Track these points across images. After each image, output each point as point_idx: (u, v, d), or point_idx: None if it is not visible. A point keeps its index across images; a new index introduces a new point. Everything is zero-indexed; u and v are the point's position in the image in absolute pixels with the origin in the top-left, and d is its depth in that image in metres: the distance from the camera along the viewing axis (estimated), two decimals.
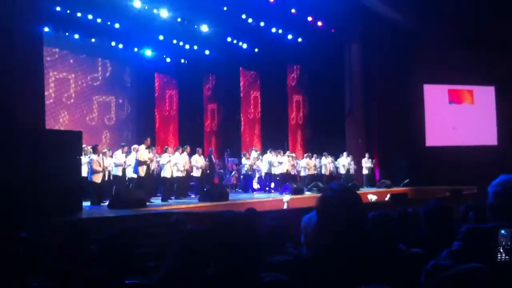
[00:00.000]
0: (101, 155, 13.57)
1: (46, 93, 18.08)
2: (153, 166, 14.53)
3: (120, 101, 21.74)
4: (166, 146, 15.81)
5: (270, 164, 17.59)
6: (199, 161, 15.87)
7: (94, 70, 20.62)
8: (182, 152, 15.04)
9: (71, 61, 19.69)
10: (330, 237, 2.04)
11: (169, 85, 23.52)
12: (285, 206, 12.87)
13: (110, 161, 13.90)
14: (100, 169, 13.09)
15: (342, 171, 19.80)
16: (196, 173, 15.83)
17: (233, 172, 19.62)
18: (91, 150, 13.74)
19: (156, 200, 13.91)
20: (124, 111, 21.88)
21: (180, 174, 14.76)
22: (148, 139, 14.42)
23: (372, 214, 3.36)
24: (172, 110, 23.60)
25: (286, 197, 13.98)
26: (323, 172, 19.43)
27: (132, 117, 22.16)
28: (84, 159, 12.95)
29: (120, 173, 13.84)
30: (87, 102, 20.28)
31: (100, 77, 20.85)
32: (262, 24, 19.14)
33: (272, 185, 17.87)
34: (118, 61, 21.38)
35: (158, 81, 23.21)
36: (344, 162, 19.78)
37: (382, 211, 3.55)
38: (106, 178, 13.75)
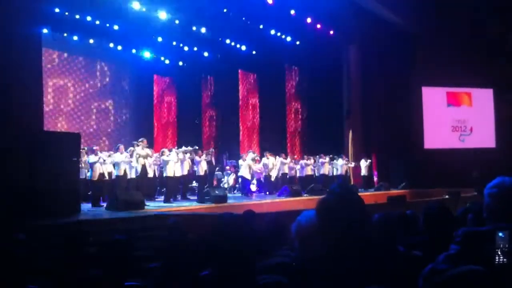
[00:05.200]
0: (97, 157, 13.59)
1: (44, 99, 18.22)
2: (149, 161, 14.43)
3: (119, 105, 21.66)
4: (162, 149, 15.75)
5: (265, 167, 17.70)
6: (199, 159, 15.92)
7: (92, 73, 20.56)
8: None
9: (69, 64, 19.64)
10: (330, 240, 2.03)
11: (168, 87, 23.46)
12: None
13: (108, 163, 13.89)
14: (96, 159, 13.16)
15: (339, 173, 19.78)
16: (199, 171, 15.77)
17: (232, 175, 19.58)
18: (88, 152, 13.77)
19: (154, 203, 13.85)
20: (122, 115, 21.79)
21: (183, 173, 14.79)
22: (145, 139, 14.40)
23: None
24: (170, 114, 23.52)
25: None
26: (320, 174, 19.40)
27: (131, 121, 22.04)
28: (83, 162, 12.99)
29: (121, 174, 13.77)
30: (85, 106, 20.22)
31: (98, 81, 20.77)
32: (261, 26, 19.13)
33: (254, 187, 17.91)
34: (117, 63, 21.32)
35: (157, 84, 23.16)
36: (342, 164, 19.76)
37: (382, 213, 3.54)
38: (106, 178, 13.71)
